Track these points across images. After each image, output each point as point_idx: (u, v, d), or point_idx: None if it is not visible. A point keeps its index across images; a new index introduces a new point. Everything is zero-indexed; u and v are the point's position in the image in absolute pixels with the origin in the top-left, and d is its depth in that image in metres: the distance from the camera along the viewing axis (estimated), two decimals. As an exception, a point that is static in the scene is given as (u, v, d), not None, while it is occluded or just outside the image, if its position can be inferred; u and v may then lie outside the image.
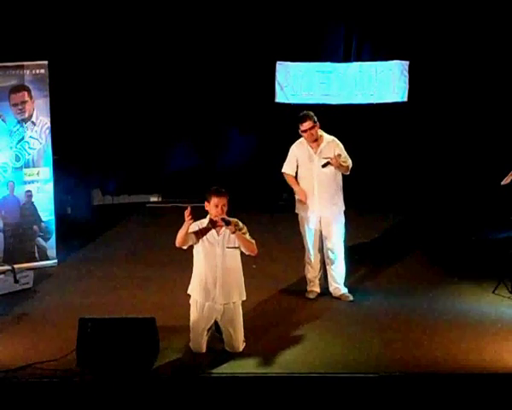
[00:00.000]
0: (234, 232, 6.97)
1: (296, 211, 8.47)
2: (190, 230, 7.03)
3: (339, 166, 8.16)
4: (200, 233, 7.06)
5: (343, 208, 8.38)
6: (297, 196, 8.44)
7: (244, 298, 7.23)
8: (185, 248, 7.13)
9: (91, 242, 10.63)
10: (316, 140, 8.22)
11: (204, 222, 7.12)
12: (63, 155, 10.91)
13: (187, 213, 6.90)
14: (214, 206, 7.00)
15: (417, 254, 9.99)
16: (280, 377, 6.68)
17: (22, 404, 6.45)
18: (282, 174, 8.56)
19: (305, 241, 8.47)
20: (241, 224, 7.09)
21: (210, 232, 7.07)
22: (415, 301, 8.38)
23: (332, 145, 8.25)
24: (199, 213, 7.26)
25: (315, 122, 8.19)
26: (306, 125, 8.18)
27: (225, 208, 7.03)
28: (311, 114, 8.25)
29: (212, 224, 7.07)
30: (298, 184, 8.38)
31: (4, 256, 9.28)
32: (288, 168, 8.45)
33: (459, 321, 7.81)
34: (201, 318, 7.09)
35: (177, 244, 7.10)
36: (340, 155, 8.14)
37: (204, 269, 7.08)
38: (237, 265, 7.16)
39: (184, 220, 6.99)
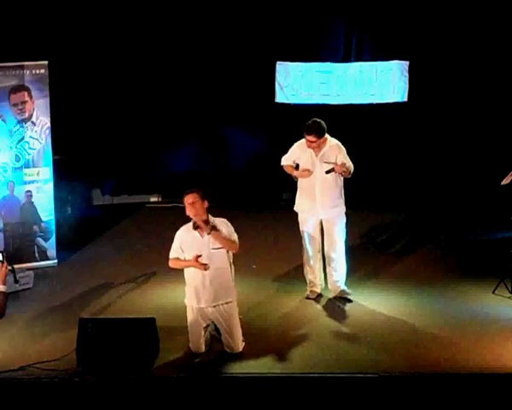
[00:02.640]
0: (209, 233, 6.98)
1: (295, 209, 8.46)
2: (176, 243, 7.16)
3: (341, 173, 8.16)
4: (186, 243, 7.11)
5: (344, 210, 8.38)
6: (298, 194, 8.42)
7: (235, 296, 7.19)
8: None
9: (91, 242, 10.64)
10: (314, 149, 8.21)
11: (189, 226, 7.15)
12: (67, 154, 10.96)
13: (196, 259, 6.97)
14: (186, 206, 7.04)
15: (417, 254, 9.98)
16: (280, 377, 6.68)
17: (22, 404, 6.45)
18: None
19: (303, 242, 8.46)
20: (224, 223, 7.08)
21: (194, 236, 7.09)
22: (415, 301, 8.38)
23: (335, 149, 8.22)
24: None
25: (320, 136, 8.11)
26: (309, 138, 8.14)
27: (198, 205, 6.98)
28: (321, 128, 8.13)
29: (194, 227, 7.11)
30: (294, 168, 8.37)
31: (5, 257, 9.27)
32: (285, 161, 8.45)
33: (459, 321, 7.81)
34: (196, 320, 7.11)
35: (172, 267, 7.25)
36: (344, 164, 8.12)
37: (192, 273, 7.10)
38: (225, 265, 7.14)
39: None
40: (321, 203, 8.27)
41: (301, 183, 8.39)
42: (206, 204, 7.05)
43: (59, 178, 9.97)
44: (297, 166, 8.41)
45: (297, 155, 8.36)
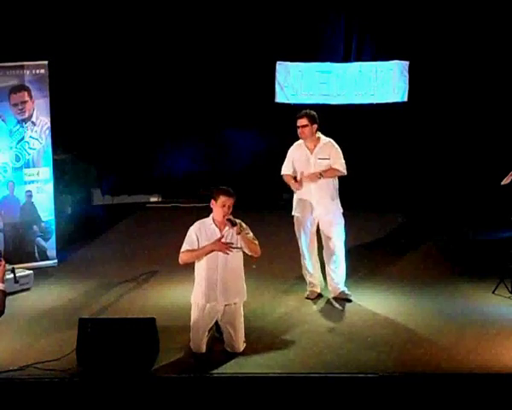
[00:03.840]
0: (239, 233, 6.96)
1: (293, 213, 8.47)
2: (192, 236, 7.05)
3: (322, 177, 8.16)
4: (203, 238, 7.04)
5: (341, 210, 8.38)
6: (295, 197, 8.43)
7: (245, 299, 7.23)
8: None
9: (91, 242, 10.64)
10: (306, 138, 8.22)
11: (206, 222, 7.11)
12: (68, 153, 10.99)
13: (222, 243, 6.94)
14: (221, 205, 6.99)
15: (417, 254, 9.99)
16: (280, 377, 6.67)
17: (22, 404, 6.45)
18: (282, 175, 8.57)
19: (300, 244, 8.46)
20: (244, 225, 7.10)
21: (213, 232, 7.06)
22: (415, 301, 8.38)
23: (328, 146, 8.26)
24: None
25: (312, 122, 8.20)
26: (300, 121, 8.22)
27: (231, 209, 7.02)
28: (312, 114, 8.25)
29: (217, 224, 7.06)
30: (292, 178, 8.36)
31: (4, 256, 9.26)
32: (285, 170, 8.47)
33: (459, 321, 7.81)
34: (202, 318, 7.08)
35: (182, 263, 7.14)
36: (317, 174, 8.15)
37: (206, 270, 7.05)
38: (239, 266, 7.14)
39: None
40: (317, 201, 8.26)
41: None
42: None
43: (59, 177, 9.99)
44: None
45: (293, 156, 8.38)
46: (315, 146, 8.26)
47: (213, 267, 7.04)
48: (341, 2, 12.18)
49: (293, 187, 8.37)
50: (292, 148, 8.44)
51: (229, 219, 6.97)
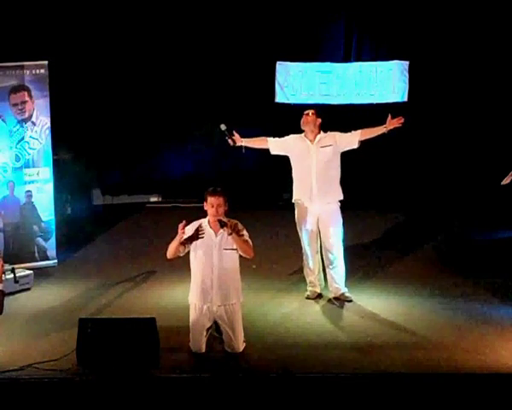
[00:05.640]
0: (230, 234, 6.94)
1: (293, 200, 8.44)
2: (185, 235, 7.02)
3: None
4: (196, 236, 7.02)
5: (341, 197, 8.34)
6: (294, 185, 8.42)
7: (242, 300, 7.21)
8: (182, 254, 7.13)
9: (91, 242, 10.64)
10: (308, 124, 8.28)
11: (201, 223, 7.11)
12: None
13: (181, 226, 6.90)
14: (210, 206, 7.00)
15: (417, 254, 9.99)
16: (280, 377, 6.67)
17: (22, 404, 6.45)
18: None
19: (302, 243, 8.46)
20: (240, 226, 7.07)
21: (208, 233, 7.05)
22: (415, 301, 8.38)
23: (329, 136, 8.33)
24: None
25: (317, 115, 8.31)
26: (309, 110, 8.34)
27: (221, 209, 6.99)
28: (319, 112, 8.40)
29: (211, 225, 7.06)
30: (255, 142, 8.57)
31: (4, 256, 9.27)
32: (271, 139, 8.49)
33: (459, 321, 7.80)
34: (200, 319, 7.08)
35: (169, 256, 7.14)
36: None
37: (201, 271, 7.05)
38: (235, 267, 7.12)
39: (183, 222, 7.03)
40: (317, 190, 8.25)
41: (296, 171, 8.39)
42: (225, 209, 7.07)
43: (59, 178, 9.99)
44: (288, 160, 8.42)
45: (290, 147, 8.38)
46: (315, 136, 8.30)
47: (208, 268, 7.03)
48: (341, 2, 12.18)
49: (235, 138, 8.50)
50: (293, 137, 8.43)
51: (219, 220, 6.95)
